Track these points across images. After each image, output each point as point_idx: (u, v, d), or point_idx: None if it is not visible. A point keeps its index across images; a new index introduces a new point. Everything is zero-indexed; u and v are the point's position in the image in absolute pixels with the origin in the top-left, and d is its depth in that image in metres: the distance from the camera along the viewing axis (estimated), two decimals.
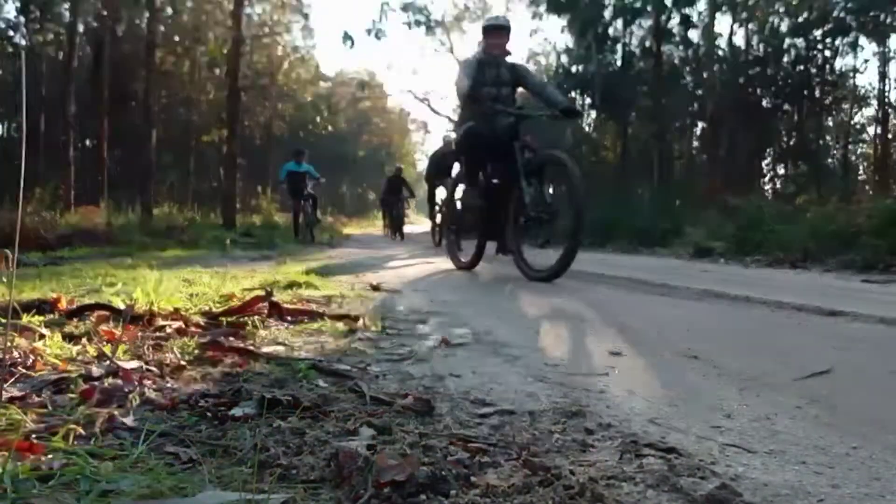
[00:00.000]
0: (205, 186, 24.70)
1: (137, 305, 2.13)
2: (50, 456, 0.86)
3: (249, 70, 22.13)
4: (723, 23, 17.64)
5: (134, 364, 1.41)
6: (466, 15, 29.54)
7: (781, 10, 17.93)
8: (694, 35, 18.45)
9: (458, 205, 5.41)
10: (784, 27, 18.33)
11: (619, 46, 20.55)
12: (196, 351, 1.64)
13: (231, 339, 1.79)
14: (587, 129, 21.86)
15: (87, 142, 20.68)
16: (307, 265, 4.98)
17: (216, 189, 21.81)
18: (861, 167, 22.03)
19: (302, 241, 11.83)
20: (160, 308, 2.16)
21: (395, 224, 14.70)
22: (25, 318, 1.87)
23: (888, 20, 13.93)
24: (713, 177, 13.30)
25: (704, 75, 15.88)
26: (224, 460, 0.93)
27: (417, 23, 25.47)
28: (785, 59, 17.90)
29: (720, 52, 16.89)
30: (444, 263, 6.31)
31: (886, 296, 3.48)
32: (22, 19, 17.06)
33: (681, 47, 18.78)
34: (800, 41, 17.63)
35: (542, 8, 19.78)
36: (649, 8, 16.43)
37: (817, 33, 17.31)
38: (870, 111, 21.14)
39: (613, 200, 13.03)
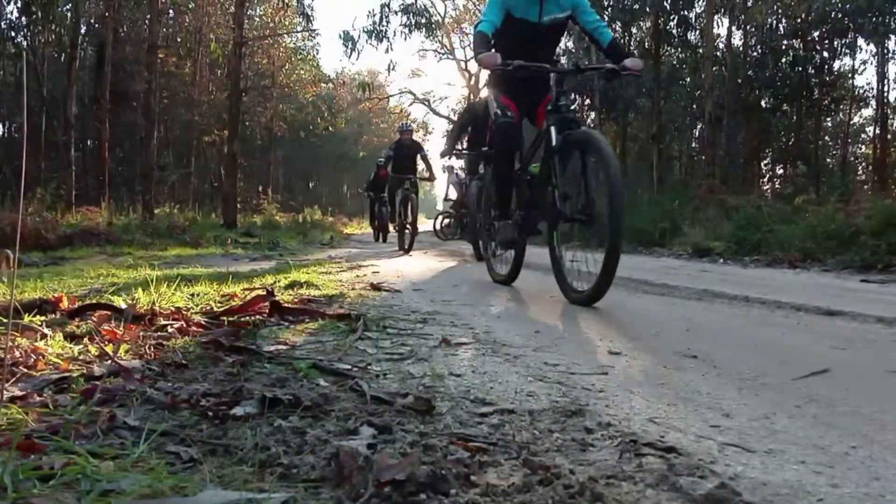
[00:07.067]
0: (206, 186, 24.72)
1: (139, 305, 2.14)
2: (51, 455, 0.86)
3: (251, 71, 22.14)
4: (721, 25, 17.67)
5: (135, 363, 1.41)
6: (466, 17, 29.60)
7: (780, 11, 17.97)
8: (692, 37, 18.49)
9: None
10: (782, 29, 18.37)
11: None
12: (197, 350, 1.65)
13: (232, 338, 1.79)
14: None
15: (89, 142, 20.68)
16: (309, 266, 4.99)
17: (217, 189, 21.82)
18: (860, 167, 22.04)
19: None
20: (161, 307, 2.16)
21: (384, 220, 10.28)
22: (27, 318, 1.87)
23: (886, 20, 13.94)
24: (712, 177, 13.29)
25: (703, 76, 15.90)
26: (225, 459, 0.93)
27: (417, 25, 25.45)
28: (783, 60, 17.93)
29: (718, 54, 16.89)
30: (444, 263, 6.32)
31: (885, 295, 3.48)
32: (24, 20, 17.11)
33: (679, 49, 18.81)
34: (798, 42, 17.66)
35: None
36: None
37: (815, 34, 17.34)
38: (868, 111, 21.22)
39: None
